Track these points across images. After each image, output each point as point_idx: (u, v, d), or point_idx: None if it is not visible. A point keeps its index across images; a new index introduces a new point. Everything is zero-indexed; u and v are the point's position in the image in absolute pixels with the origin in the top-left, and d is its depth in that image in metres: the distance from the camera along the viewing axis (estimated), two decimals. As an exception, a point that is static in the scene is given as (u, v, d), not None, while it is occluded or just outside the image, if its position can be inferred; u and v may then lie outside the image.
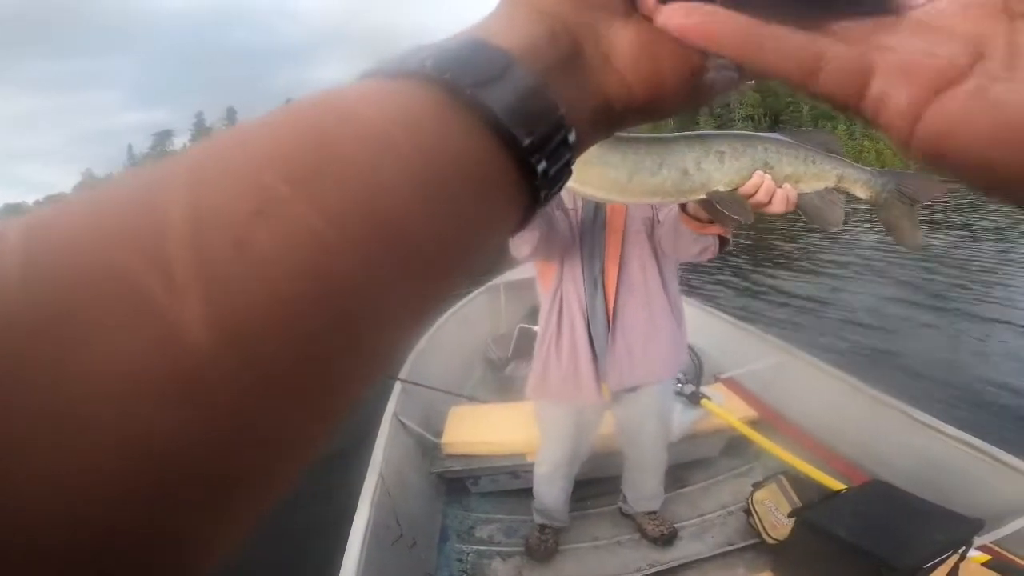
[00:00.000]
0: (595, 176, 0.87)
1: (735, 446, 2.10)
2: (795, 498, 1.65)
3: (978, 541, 1.27)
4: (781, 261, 8.41)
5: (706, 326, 2.74)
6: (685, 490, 2.02)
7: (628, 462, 1.71)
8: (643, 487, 1.73)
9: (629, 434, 1.60)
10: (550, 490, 1.65)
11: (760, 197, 0.86)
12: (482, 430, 2.10)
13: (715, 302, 5.19)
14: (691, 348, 2.43)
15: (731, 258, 8.14)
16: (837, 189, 0.90)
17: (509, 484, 2.00)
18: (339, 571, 1.25)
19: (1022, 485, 1.45)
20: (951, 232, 9.47)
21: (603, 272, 1.34)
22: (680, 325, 1.43)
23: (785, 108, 61.79)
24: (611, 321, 1.34)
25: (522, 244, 1.17)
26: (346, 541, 1.36)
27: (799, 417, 2.05)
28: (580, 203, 1.33)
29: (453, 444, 2.05)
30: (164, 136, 69.53)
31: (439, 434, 2.10)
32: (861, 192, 0.89)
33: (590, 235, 1.34)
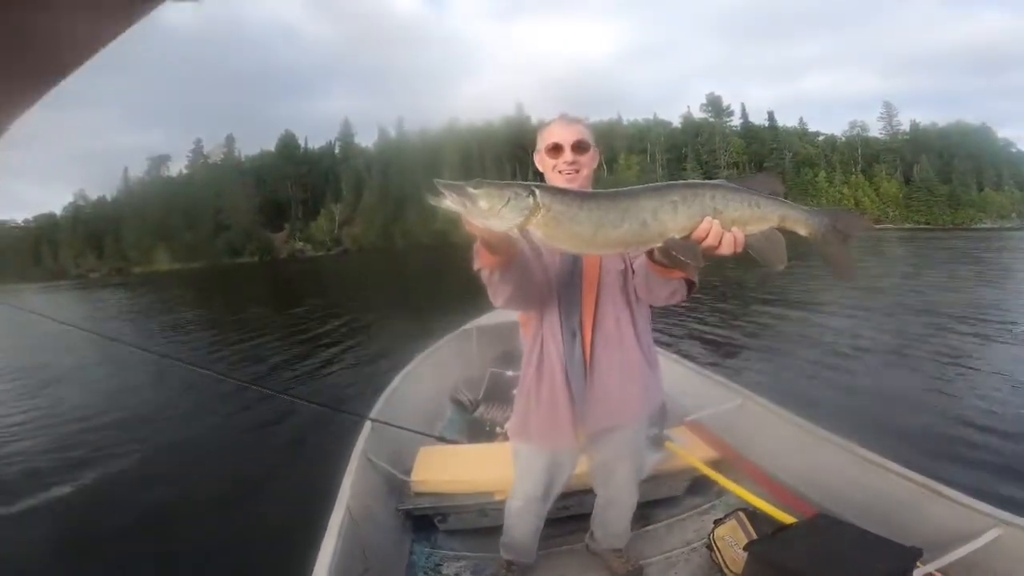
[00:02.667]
0: (563, 233, 0.92)
1: (699, 485, 2.16)
2: (752, 532, 1.71)
3: (920, 571, 1.34)
4: (742, 305, 8.92)
5: (671, 371, 2.80)
6: (650, 527, 2.05)
7: (600, 500, 1.72)
8: (613, 525, 1.75)
9: (603, 474, 1.62)
10: (520, 525, 1.66)
11: (710, 241, 0.91)
12: (451, 469, 2.15)
13: (680, 349, 5.66)
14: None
15: (697, 304, 8.69)
16: (780, 229, 0.96)
17: (477, 522, 2.02)
18: None
19: (961, 514, 1.52)
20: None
21: (580, 323, 1.37)
22: (654, 370, 1.48)
23: (769, 154, 63.93)
24: (588, 368, 1.38)
25: (497, 294, 1.20)
26: (311, 572, 1.37)
27: (756, 456, 2.15)
28: (557, 256, 1.37)
29: (422, 482, 2.08)
30: (161, 161, 69.83)
31: (408, 472, 2.13)
32: (802, 230, 0.96)
33: (567, 287, 1.38)
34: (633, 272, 1.34)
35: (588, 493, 1.73)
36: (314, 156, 70.76)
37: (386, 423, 2.37)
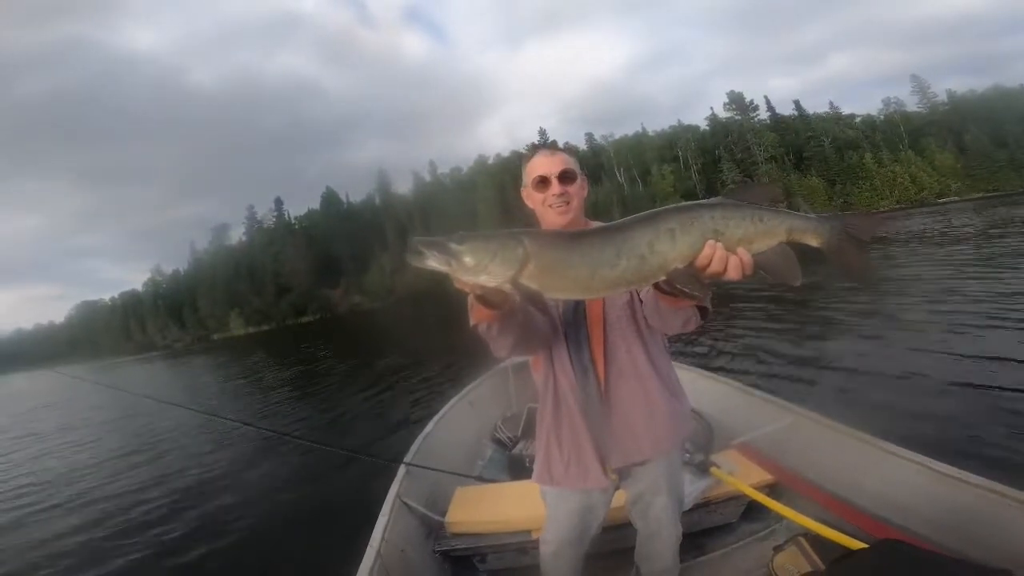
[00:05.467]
0: (559, 280, 0.87)
1: (755, 510, 2.05)
2: (817, 560, 1.59)
3: None
4: (781, 320, 8.34)
5: (715, 393, 2.79)
6: (704, 558, 1.96)
7: (641, 534, 1.65)
8: (657, 560, 1.66)
9: (641, 508, 1.56)
10: (557, 569, 1.61)
11: (715, 267, 0.85)
12: (488, 508, 2.11)
13: (722, 369, 5.47)
14: (700, 415, 2.57)
15: (735, 320, 8.35)
16: (789, 242, 0.89)
17: (517, 561, 1.99)
18: None
19: None
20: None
21: (592, 359, 1.34)
22: (676, 396, 1.42)
23: (806, 143, 61.99)
24: (607, 403, 1.34)
25: (499, 348, 1.17)
26: None
27: (816, 476, 2.02)
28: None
29: (458, 523, 2.06)
30: (221, 230, 75.60)
31: (444, 513, 2.11)
32: (813, 240, 0.89)
33: (573, 326, 1.35)
34: (641, 301, 1.31)
35: (630, 526, 1.65)
36: (357, 209, 74.45)
37: (421, 466, 2.36)
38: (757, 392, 2.67)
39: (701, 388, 2.86)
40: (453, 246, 0.83)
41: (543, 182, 1.34)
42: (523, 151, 1.47)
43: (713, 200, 0.89)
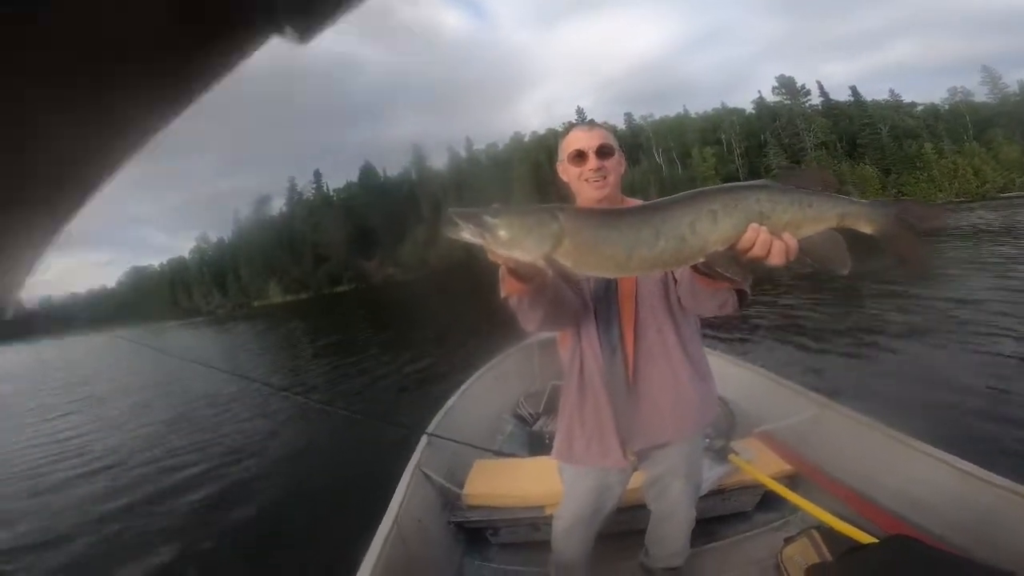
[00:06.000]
0: (594, 258, 0.84)
1: (771, 500, 2.04)
2: (826, 553, 1.58)
3: None
4: (821, 307, 8.11)
5: (740, 380, 2.76)
6: (714, 545, 1.96)
7: (654, 517, 1.65)
8: (669, 543, 1.67)
9: (657, 490, 1.56)
10: (568, 546, 1.61)
11: (757, 251, 0.81)
12: (505, 482, 2.12)
13: (751, 355, 5.35)
14: (724, 402, 2.50)
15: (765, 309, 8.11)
16: (839, 229, 0.85)
17: (529, 536, 2.00)
18: None
19: None
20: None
21: (621, 337, 1.32)
22: (705, 380, 1.41)
23: (860, 131, 58.71)
24: (633, 384, 1.32)
25: (528, 321, 1.17)
26: None
27: (836, 470, 2.00)
28: None
29: (475, 495, 2.08)
30: (263, 201, 78.02)
31: (461, 485, 2.14)
32: (866, 227, 0.85)
33: (604, 303, 1.33)
34: (676, 281, 1.28)
35: (643, 508, 1.66)
36: (393, 183, 75.54)
37: (441, 437, 2.39)
38: (785, 381, 2.63)
39: (726, 373, 2.78)
40: (488, 219, 0.82)
41: (580, 156, 1.31)
42: (560, 129, 1.47)
43: (759, 182, 0.86)
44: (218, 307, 65.52)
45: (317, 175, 75.56)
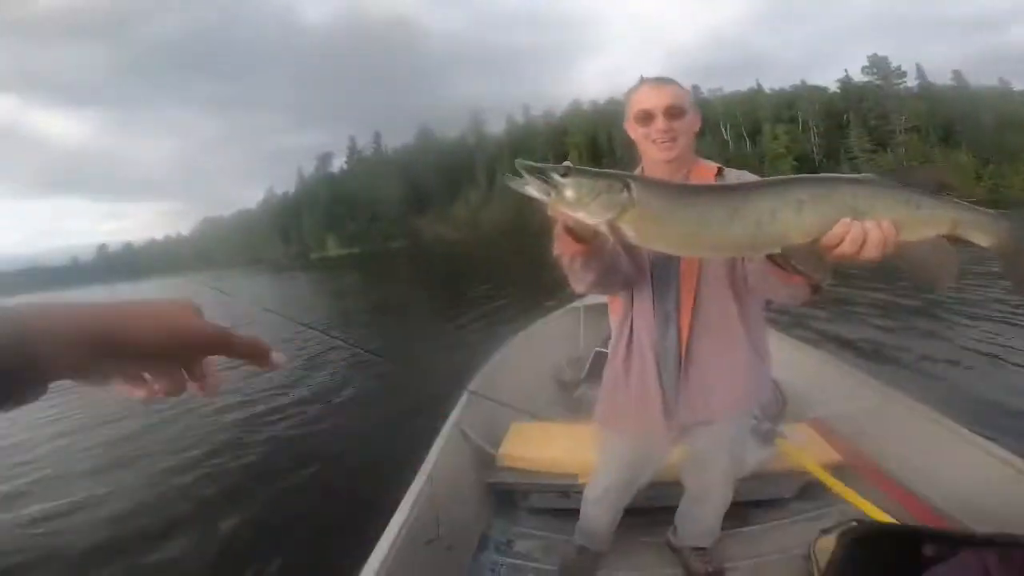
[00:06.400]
0: (660, 231, 0.81)
1: (813, 489, 1.97)
2: None
3: None
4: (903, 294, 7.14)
5: (798, 360, 2.62)
6: (745, 529, 1.88)
7: (688, 494, 1.60)
8: (699, 522, 1.62)
9: (695, 467, 1.51)
10: (597, 513, 1.61)
11: (846, 248, 0.74)
12: (540, 447, 2.11)
13: (817, 335, 5.04)
14: (775, 383, 2.34)
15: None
16: (950, 237, 0.76)
17: (559, 503, 1.98)
18: (367, 559, 1.33)
19: None
20: None
21: (677, 308, 1.26)
22: (763, 362, 1.34)
23: (961, 118, 53.09)
24: (684, 356, 1.27)
25: (578, 282, 1.13)
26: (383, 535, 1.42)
27: (889, 464, 1.91)
28: None
29: (509, 457, 2.07)
30: (325, 159, 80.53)
31: (497, 446, 2.13)
32: (982, 239, 0.77)
33: (663, 270, 1.26)
34: (745, 257, 1.20)
35: (677, 485, 1.61)
36: (449, 145, 76.05)
37: (482, 395, 2.38)
38: (847, 366, 2.48)
39: (780, 352, 2.58)
40: (556, 177, 0.80)
41: (647, 117, 1.19)
42: (621, 98, 1.34)
43: (859, 175, 0.78)
44: (280, 257, 69.23)
45: (376, 135, 77.27)
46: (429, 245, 55.54)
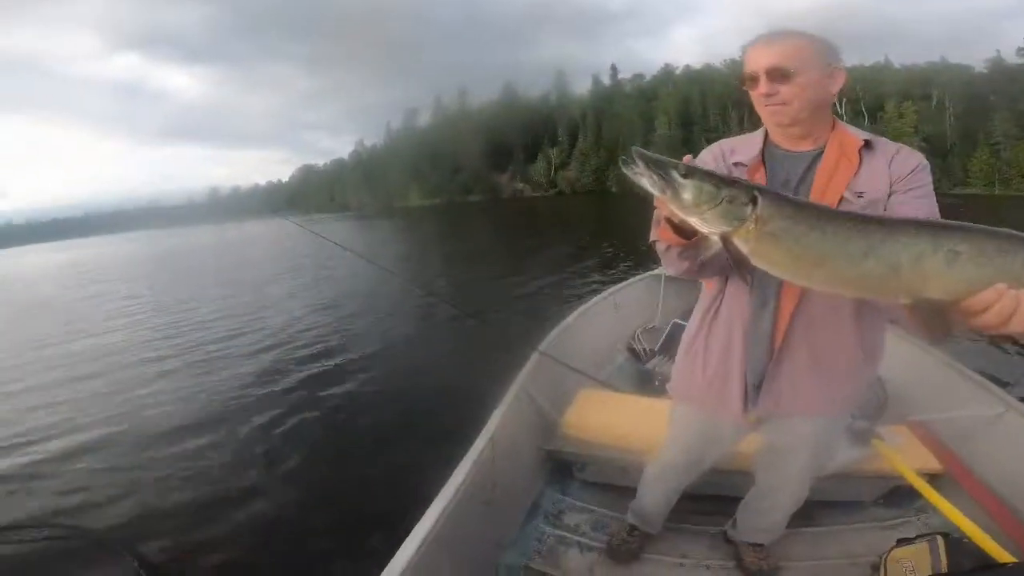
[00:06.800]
0: (778, 254, 0.74)
1: (898, 495, 1.84)
2: (944, 564, 1.38)
3: None
4: None
5: (907, 358, 2.36)
6: (811, 529, 1.73)
7: (758, 489, 1.48)
8: (763, 517, 1.51)
9: (771, 462, 1.38)
10: (653, 492, 1.56)
11: (989, 319, 0.63)
12: (605, 417, 2.02)
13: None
14: (878, 380, 2.14)
15: None
16: None
17: (615, 478, 1.89)
18: (423, 516, 1.32)
19: None
20: None
21: (778, 293, 1.10)
22: (872, 361, 1.18)
23: None
24: (779, 344, 1.12)
25: (671, 266, 1.08)
26: (438, 493, 1.42)
27: (994, 478, 1.75)
28: None
29: (572, 425, 2.01)
30: (412, 114, 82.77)
31: (561, 412, 2.07)
32: None
33: None
34: None
35: (742, 475, 1.49)
36: (532, 104, 75.49)
37: (551, 357, 2.31)
38: (965, 369, 2.23)
39: (891, 349, 2.17)
40: (676, 176, 0.74)
41: (750, 79, 1.02)
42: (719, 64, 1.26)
43: None
44: (365, 205, 73.21)
45: (461, 92, 78.04)
46: (507, 201, 56.23)
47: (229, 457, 3.61)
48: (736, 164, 1.11)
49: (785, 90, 1.00)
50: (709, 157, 1.15)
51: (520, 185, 64.38)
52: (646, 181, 0.76)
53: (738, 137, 1.17)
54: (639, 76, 73.11)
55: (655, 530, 1.67)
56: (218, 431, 4.02)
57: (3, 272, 32.07)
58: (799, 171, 1.06)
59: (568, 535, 1.79)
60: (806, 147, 1.07)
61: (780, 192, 0.82)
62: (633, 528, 1.68)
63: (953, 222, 0.68)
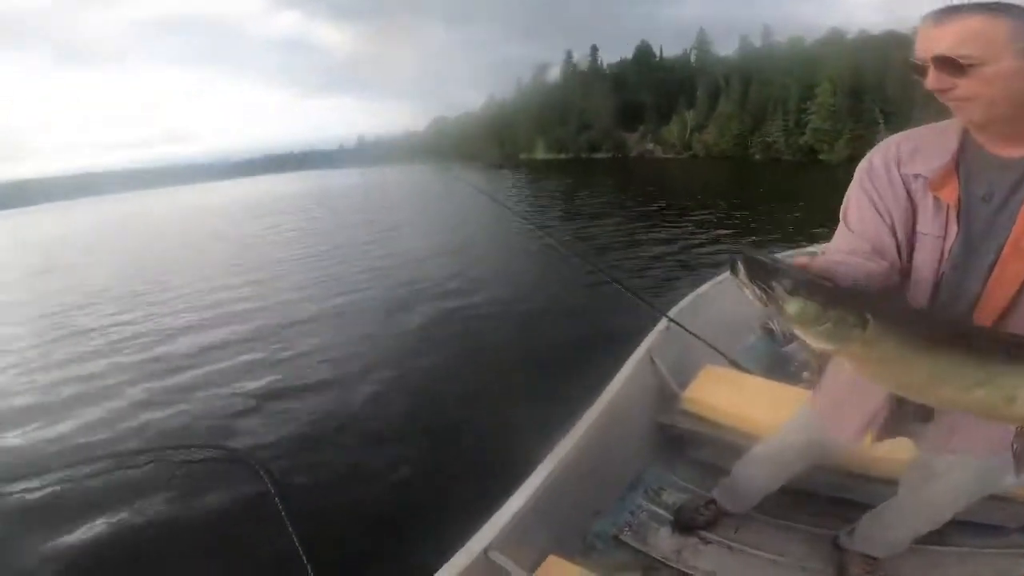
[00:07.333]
0: (880, 374, 0.74)
1: None
2: None
3: None
4: None
5: None
6: (934, 548, 1.56)
7: (896, 502, 1.32)
8: (890, 532, 1.38)
9: (922, 480, 1.20)
10: (749, 474, 1.50)
11: None
12: (730, 397, 1.89)
13: None
14: None
15: None
16: None
17: (728, 462, 1.74)
18: (529, 475, 1.33)
19: None
20: None
21: (973, 304, 0.87)
22: None
23: None
24: None
25: None
26: (542, 459, 1.42)
27: None
28: (950, 230, 0.87)
29: (692, 401, 1.92)
30: (542, 69, 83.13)
31: (684, 385, 1.98)
32: None
33: (961, 272, 0.88)
34: None
35: (883, 483, 1.37)
36: (669, 64, 71.86)
37: (681, 326, 2.21)
38: None
39: None
40: (781, 291, 0.69)
41: (919, 68, 0.81)
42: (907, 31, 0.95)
43: None
44: (493, 155, 76.15)
45: (593, 49, 76.48)
46: (635, 160, 55.18)
47: (358, 395, 3.91)
48: (916, 177, 0.89)
49: (965, 84, 0.77)
50: (879, 162, 0.93)
51: (650, 145, 62.24)
52: (748, 293, 0.72)
53: (926, 130, 0.93)
54: (798, 39, 65.58)
55: (736, 510, 1.62)
56: (360, 371, 4.38)
57: (194, 204, 37.66)
58: (1006, 184, 0.83)
59: (663, 513, 1.74)
60: (1017, 152, 0.82)
61: (897, 309, 0.75)
62: (711, 502, 1.64)
63: None
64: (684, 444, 1.96)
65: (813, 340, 0.71)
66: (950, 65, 0.76)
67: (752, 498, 1.57)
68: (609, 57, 79.15)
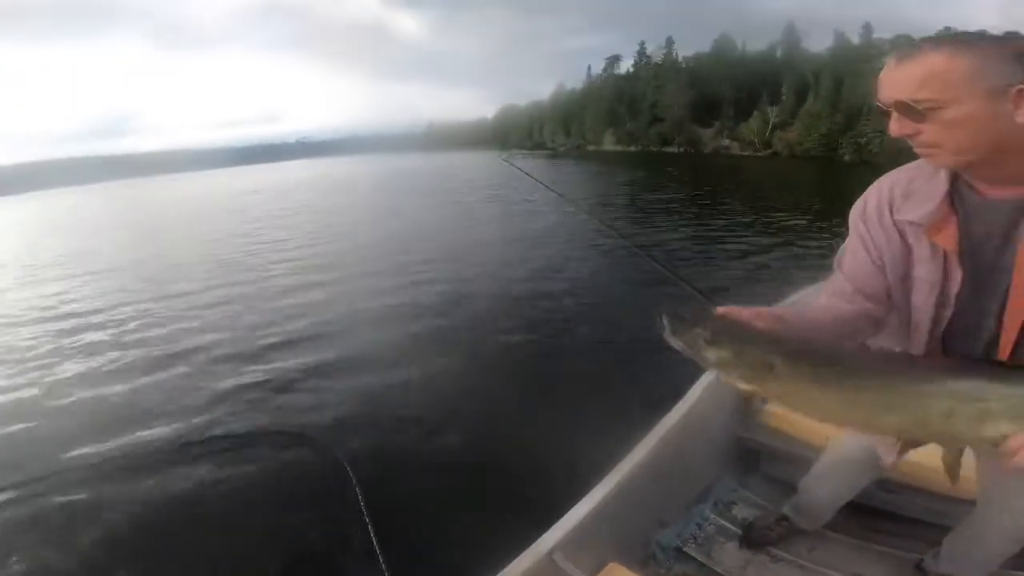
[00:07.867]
0: (807, 408, 0.80)
1: None
2: None
3: None
4: None
5: None
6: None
7: (974, 518, 1.29)
8: (974, 553, 1.32)
9: (1001, 496, 1.17)
10: (819, 485, 1.46)
11: (1021, 460, 0.61)
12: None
13: None
14: None
15: None
16: None
17: (802, 479, 1.67)
18: (600, 479, 1.32)
19: None
20: None
21: (999, 312, 0.84)
22: None
23: None
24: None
25: None
26: (615, 466, 1.42)
27: None
28: (953, 274, 0.86)
29: (775, 415, 1.85)
30: (613, 60, 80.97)
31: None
32: None
33: (971, 312, 0.87)
34: None
35: (961, 503, 1.33)
36: (751, 58, 67.98)
37: None
38: None
39: None
40: (701, 343, 0.77)
41: (883, 112, 0.78)
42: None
43: None
44: (560, 145, 75.51)
45: (668, 41, 73.53)
46: (709, 157, 52.96)
47: (430, 387, 3.93)
48: (910, 224, 0.87)
49: (928, 130, 0.73)
50: (873, 204, 0.93)
51: (726, 142, 59.51)
52: (675, 346, 0.79)
53: (917, 170, 0.88)
54: (902, 36, 60.26)
55: (807, 527, 1.57)
56: (431, 358, 4.41)
57: (282, 177, 40.43)
58: (1001, 225, 0.79)
59: (731, 527, 1.69)
60: (1005, 193, 0.78)
61: (807, 349, 0.78)
62: (783, 518, 1.60)
63: (986, 371, 0.68)
64: (760, 459, 1.92)
65: (735, 382, 0.78)
66: (910, 110, 0.74)
67: (822, 514, 1.52)
68: (685, 50, 75.95)
